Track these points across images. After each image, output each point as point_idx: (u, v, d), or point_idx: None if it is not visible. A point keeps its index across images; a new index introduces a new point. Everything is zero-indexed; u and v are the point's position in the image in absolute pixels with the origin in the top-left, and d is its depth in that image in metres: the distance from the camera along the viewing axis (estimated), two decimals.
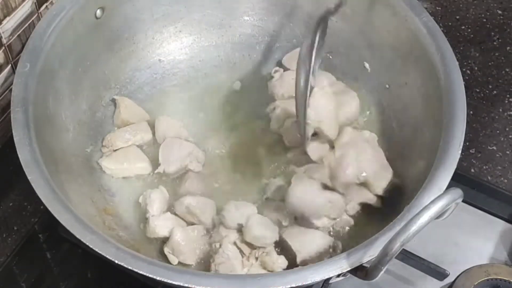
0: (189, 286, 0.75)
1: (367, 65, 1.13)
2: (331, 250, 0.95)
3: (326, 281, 0.90)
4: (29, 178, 0.83)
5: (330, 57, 1.18)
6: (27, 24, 1.05)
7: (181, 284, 0.75)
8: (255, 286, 0.76)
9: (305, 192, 0.99)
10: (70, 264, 1.05)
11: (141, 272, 0.76)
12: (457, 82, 0.94)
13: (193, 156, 1.07)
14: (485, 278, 1.00)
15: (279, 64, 1.21)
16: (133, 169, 1.07)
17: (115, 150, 1.08)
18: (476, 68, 1.27)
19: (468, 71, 1.26)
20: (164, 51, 1.20)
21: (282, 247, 0.97)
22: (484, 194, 1.12)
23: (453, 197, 0.74)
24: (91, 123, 1.08)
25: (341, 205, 0.99)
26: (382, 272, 0.76)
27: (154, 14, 1.16)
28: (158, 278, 0.76)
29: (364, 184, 1.00)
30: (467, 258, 1.05)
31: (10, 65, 1.06)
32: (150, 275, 0.76)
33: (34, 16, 1.06)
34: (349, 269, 0.78)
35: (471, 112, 1.12)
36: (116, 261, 0.76)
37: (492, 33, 1.26)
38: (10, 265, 1.03)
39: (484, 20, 1.27)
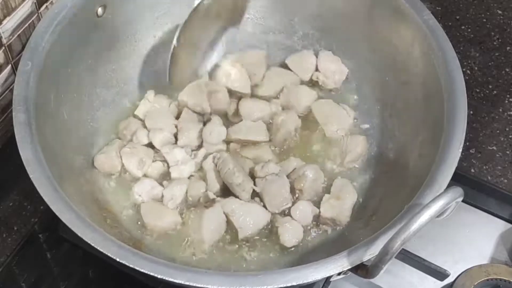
0: (190, 284, 0.75)
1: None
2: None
3: (327, 279, 0.91)
4: (30, 176, 0.82)
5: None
6: (27, 24, 1.05)
7: (182, 282, 0.75)
8: (256, 284, 0.76)
9: None
10: (70, 264, 1.05)
11: (142, 270, 0.76)
12: (458, 80, 0.94)
13: None
14: (485, 278, 1.00)
15: (282, 63, 1.21)
16: None
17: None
18: (476, 68, 1.27)
19: (468, 71, 1.27)
20: (165, 49, 1.19)
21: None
22: (484, 194, 1.12)
23: (454, 195, 0.74)
24: (92, 122, 1.08)
25: None
26: (382, 271, 0.76)
27: (156, 12, 1.16)
28: (159, 276, 0.76)
29: None
30: (467, 258, 1.05)
31: (10, 65, 1.06)
32: (151, 273, 0.76)
33: (34, 16, 1.06)
34: (350, 267, 0.78)
35: (471, 112, 1.12)
36: (118, 259, 0.76)
37: (492, 33, 1.27)
38: (10, 265, 1.03)
39: (484, 20, 1.28)
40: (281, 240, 0.99)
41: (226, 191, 1.05)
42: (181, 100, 1.13)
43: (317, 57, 1.19)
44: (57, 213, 0.80)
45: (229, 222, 1.01)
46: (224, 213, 1.00)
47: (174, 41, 1.02)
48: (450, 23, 1.32)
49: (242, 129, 1.10)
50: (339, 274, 0.80)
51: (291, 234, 0.99)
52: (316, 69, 1.18)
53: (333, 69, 1.17)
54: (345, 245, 0.83)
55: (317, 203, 1.03)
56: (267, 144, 1.10)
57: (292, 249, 1.00)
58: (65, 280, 1.03)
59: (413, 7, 1.02)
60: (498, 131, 1.21)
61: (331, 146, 1.11)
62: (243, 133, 1.09)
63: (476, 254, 1.07)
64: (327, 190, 1.05)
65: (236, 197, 1.02)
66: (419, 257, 1.02)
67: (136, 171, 1.05)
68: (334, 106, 1.14)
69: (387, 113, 1.11)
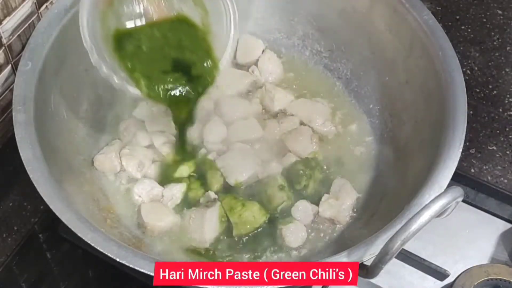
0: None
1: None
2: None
3: None
4: (30, 176, 0.82)
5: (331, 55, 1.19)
6: (27, 24, 1.05)
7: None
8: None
9: None
10: (70, 264, 1.05)
11: (142, 270, 0.76)
12: (458, 80, 0.94)
13: None
14: (485, 278, 1.00)
15: None
16: None
17: None
18: (476, 68, 1.27)
19: (468, 71, 1.27)
20: None
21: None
22: (484, 194, 1.12)
23: (454, 195, 0.74)
24: (92, 122, 1.08)
25: None
26: (382, 271, 0.76)
27: None
28: None
29: None
30: (467, 258, 1.05)
31: (10, 65, 1.06)
32: (151, 273, 0.76)
33: (34, 16, 1.06)
34: None
35: (471, 112, 1.12)
36: (118, 259, 0.76)
37: (492, 33, 1.27)
38: (10, 265, 1.03)
39: (484, 20, 1.28)
40: (286, 242, 0.99)
41: (226, 190, 1.05)
42: None
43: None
44: (57, 213, 0.80)
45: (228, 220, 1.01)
46: (222, 208, 1.00)
47: None
48: (450, 23, 1.32)
49: (240, 130, 1.10)
50: None
51: (295, 234, 1.00)
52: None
53: (270, 70, 1.19)
54: (345, 245, 0.83)
55: (317, 199, 1.04)
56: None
57: (294, 249, 1.00)
58: (65, 280, 1.03)
59: (413, 7, 1.02)
60: (498, 131, 1.21)
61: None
62: (241, 134, 1.10)
63: (476, 254, 1.07)
64: (327, 190, 1.06)
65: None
66: (419, 257, 1.02)
67: (136, 173, 1.05)
68: (309, 102, 1.15)
69: (387, 113, 1.11)
